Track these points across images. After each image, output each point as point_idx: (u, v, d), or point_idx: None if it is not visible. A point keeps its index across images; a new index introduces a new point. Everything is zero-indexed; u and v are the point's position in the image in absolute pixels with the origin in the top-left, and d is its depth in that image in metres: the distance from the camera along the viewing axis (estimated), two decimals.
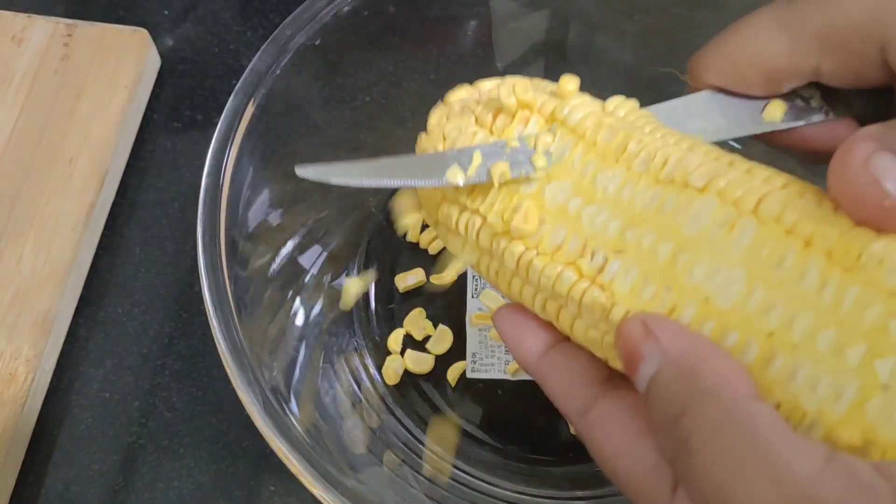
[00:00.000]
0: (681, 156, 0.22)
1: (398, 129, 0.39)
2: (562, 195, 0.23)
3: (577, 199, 0.23)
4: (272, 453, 0.27)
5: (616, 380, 0.23)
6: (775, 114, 0.24)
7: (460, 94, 0.27)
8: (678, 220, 0.21)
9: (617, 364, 0.23)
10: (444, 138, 0.26)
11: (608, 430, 0.21)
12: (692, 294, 0.21)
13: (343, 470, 0.30)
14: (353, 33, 0.35)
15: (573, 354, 0.24)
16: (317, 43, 0.34)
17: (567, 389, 0.23)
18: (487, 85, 0.27)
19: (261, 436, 0.27)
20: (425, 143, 0.27)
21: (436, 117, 0.27)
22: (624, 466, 0.20)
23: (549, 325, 0.24)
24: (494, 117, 0.25)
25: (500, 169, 0.23)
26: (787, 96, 0.25)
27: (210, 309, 0.29)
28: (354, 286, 0.40)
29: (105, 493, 0.37)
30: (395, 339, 0.39)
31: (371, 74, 0.38)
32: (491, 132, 0.25)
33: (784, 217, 0.20)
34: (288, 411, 0.29)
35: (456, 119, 0.26)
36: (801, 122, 0.24)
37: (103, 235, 0.43)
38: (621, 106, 0.24)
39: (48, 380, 0.39)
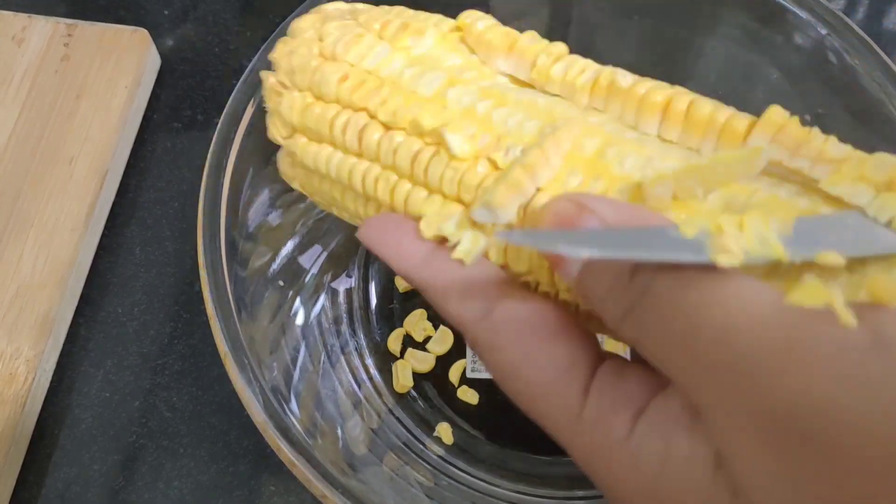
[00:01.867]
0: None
1: None
2: (467, 98, 0.22)
3: (485, 101, 0.22)
4: (272, 453, 0.27)
5: (514, 285, 0.21)
6: None
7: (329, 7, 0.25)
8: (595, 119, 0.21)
9: (518, 264, 0.21)
10: (321, 39, 0.24)
11: (514, 332, 0.19)
12: (625, 181, 0.20)
13: (343, 470, 0.30)
14: None
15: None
16: None
17: (461, 289, 0.20)
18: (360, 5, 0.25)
19: (261, 435, 0.27)
20: (287, 44, 0.25)
21: (303, 23, 0.25)
22: (529, 374, 0.19)
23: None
24: (385, 23, 0.23)
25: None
26: None
27: (210, 309, 0.29)
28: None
29: (105, 493, 0.37)
30: (395, 339, 0.39)
31: None
32: (380, 37, 0.23)
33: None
34: (288, 411, 0.29)
35: (335, 21, 0.24)
36: None
37: (103, 235, 0.43)
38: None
39: (48, 379, 0.39)
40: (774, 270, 0.18)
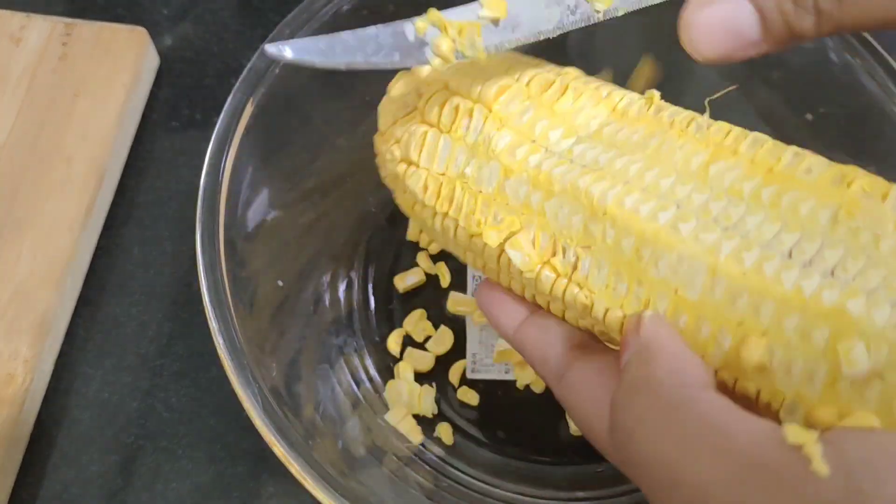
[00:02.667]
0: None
1: None
2: (522, 191, 0.24)
3: (537, 193, 0.24)
4: (271, 454, 0.27)
5: (589, 345, 0.24)
6: None
7: (400, 89, 0.28)
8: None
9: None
10: (397, 141, 0.27)
11: (582, 394, 0.22)
12: (662, 287, 0.21)
13: (342, 471, 0.30)
14: None
15: (548, 324, 0.25)
16: None
17: (543, 356, 0.24)
18: (423, 72, 0.28)
19: (260, 436, 0.27)
20: (381, 145, 0.28)
21: (383, 119, 0.28)
22: (599, 425, 0.21)
23: (522, 299, 0.26)
24: (440, 111, 0.26)
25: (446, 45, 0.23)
26: None
27: (209, 309, 0.29)
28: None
29: (104, 494, 0.37)
30: (394, 340, 0.39)
31: (371, 74, 0.38)
32: (440, 129, 0.26)
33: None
34: (287, 412, 0.29)
35: (402, 122, 0.27)
36: None
37: (102, 235, 0.42)
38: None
39: (46, 380, 0.39)
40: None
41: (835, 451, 0.15)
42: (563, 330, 0.24)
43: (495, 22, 0.23)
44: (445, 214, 0.26)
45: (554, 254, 0.23)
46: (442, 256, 0.41)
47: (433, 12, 0.23)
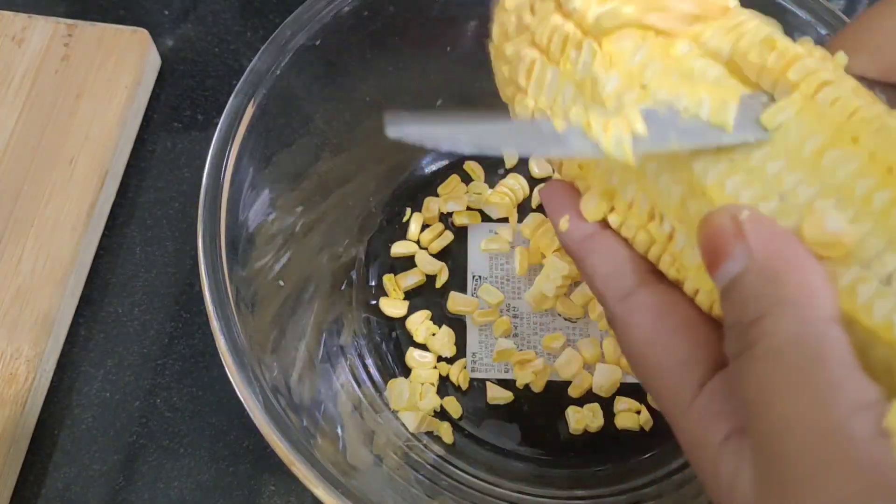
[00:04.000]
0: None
1: None
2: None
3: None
4: (272, 453, 0.27)
5: (656, 276, 0.23)
6: None
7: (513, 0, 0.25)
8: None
9: (668, 270, 0.22)
10: (508, 62, 0.24)
11: (645, 318, 0.21)
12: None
13: (343, 470, 0.30)
14: (353, 33, 0.35)
15: (618, 244, 0.23)
16: (317, 43, 0.34)
17: (610, 271, 0.23)
18: None
19: (261, 435, 0.28)
20: (495, 59, 0.26)
21: (496, 29, 0.25)
22: (654, 356, 0.21)
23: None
24: (550, 37, 0.23)
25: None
26: None
27: (210, 309, 0.29)
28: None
29: (105, 493, 0.37)
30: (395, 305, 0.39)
31: (371, 74, 0.38)
32: (548, 58, 0.23)
33: None
34: (288, 411, 0.29)
35: (513, 37, 0.24)
36: None
37: (104, 235, 0.43)
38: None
39: (49, 380, 0.39)
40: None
41: None
42: (635, 255, 0.23)
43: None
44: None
45: (651, 219, 0.22)
46: (442, 256, 0.41)
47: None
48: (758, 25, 0.21)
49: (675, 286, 0.22)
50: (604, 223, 0.24)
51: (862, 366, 0.17)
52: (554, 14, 0.23)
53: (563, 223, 0.24)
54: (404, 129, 0.20)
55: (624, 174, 0.23)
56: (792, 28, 0.33)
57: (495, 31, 0.26)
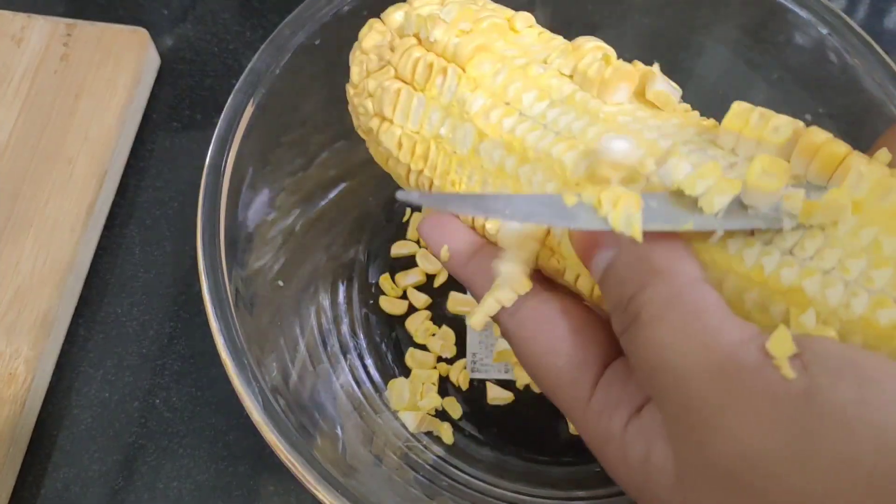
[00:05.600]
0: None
1: None
2: (497, 154, 0.24)
3: (511, 158, 0.24)
4: (272, 453, 0.27)
5: (542, 283, 0.23)
6: None
7: (372, 40, 0.27)
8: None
9: (548, 262, 0.24)
10: (370, 95, 0.27)
11: (537, 328, 0.22)
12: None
13: (343, 470, 0.30)
14: (353, 33, 0.35)
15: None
16: (316, 43, 0.34)
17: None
18: (395, 22, 0.27)
19: (260, 436, 0.27)
20: (354, 97, 0.28)
21: (356, 70, 0.28)
22: (550, 363, 0.22)
23: (473, 229, 0.25)
24: (414, 67, 0.25)
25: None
26: None
27: (210, 309, 0.29)
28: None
29: (104, 494, 0.37)
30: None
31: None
32: (413, 87, 0.25)
33: None
34: (288, 411, 0.29)
35: (375, 75, 0.27)
36: None
37: (103, 235, 0.42)
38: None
39: (48, 380, 0.39)
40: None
41: (803, 353, 0.17)
42: (520, 265, 0.24)
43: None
44: (420, 172, 0.26)
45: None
46: None
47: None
48: (593, 48, 0.25)
49: (558, 288, 0.24)
50: (482, 241, 0.25)
51: (737, 312, 0.19)
52: (415, 47, 0.25)
53: (444, 253, 0.25)
54: (412, 196, 0.22)
55: (501, 182, 0.24)
56: (792, 27, 0.33)
57: (354, 71, 0.28)
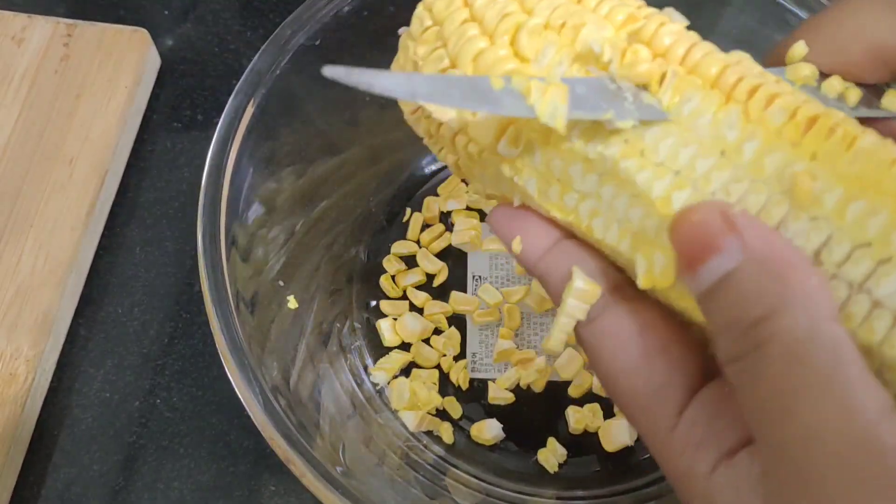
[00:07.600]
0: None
1: (398, 130, 0.39)
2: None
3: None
4: (272, 453, 0.27)
5: (625, 289, 0.21)
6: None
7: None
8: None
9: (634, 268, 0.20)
10: (445, 43, 0.23)
11: (615, 344, 0.20)
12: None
13: (343, 470, 0.30)
14: (353, 33, 0.35)
15: (580, 254, 0.21)
16: (317, 43, 0.34)
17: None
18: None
19: (261, 435, 0.27)
20: (409, 43, 0.24)
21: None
22: (629, 384, 0.19)
23: (551, 222, 0.22)
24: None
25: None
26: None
27: (210, 309, 0.29)
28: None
29: (105, 493, 0.37)
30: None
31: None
32: (491, 40, 0.21)
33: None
34: (288, 411, 0.29)
35: (451, 18, 0.23)
36: None
37: (103, 235, 0.43)
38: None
39: (48, 380, 0.39)
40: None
41: None
42: (600, 265, 0.21)
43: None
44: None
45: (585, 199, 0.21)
46: (442, 256, 0.41)
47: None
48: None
49: (642, 298, 0.21)
50: (560, 232, 0.22)
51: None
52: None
53: (516, 245, 0.22)
54: (340, 71, 0.19)
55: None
56: (792, 28, 0.33)
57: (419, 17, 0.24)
